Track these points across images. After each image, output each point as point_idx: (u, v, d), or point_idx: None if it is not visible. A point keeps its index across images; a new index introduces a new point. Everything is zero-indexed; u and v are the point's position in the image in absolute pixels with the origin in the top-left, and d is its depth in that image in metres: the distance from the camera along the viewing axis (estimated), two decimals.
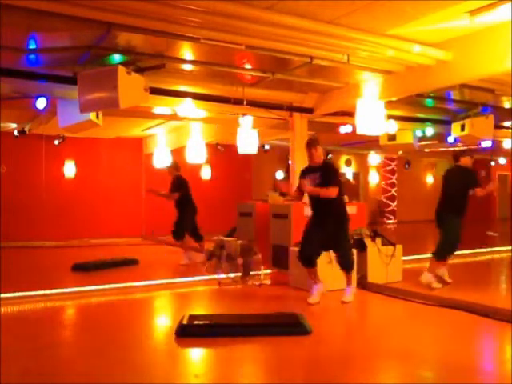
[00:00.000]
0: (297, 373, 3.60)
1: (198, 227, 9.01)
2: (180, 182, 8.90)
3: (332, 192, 5.51)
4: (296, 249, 6.69)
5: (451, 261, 6.86)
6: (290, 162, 10.23)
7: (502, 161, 19.44)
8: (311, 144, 5.78)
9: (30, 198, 12.20)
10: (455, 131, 8.61)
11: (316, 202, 5.70)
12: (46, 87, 6.86)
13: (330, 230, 5.61)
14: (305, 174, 5.86)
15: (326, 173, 5.67)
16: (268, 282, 6.90)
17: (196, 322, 4.54)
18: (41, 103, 7.13)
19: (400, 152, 15.75)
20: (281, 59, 6.25)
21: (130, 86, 5.66)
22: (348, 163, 18.85)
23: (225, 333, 4.38)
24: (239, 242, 7.15)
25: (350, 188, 17.58)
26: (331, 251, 5.91)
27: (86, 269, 8.02)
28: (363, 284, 6.50)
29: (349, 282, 5.88)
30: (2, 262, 8.26)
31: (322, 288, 5.80)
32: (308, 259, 5.71)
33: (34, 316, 5.46)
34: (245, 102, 7.64)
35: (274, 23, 4.98)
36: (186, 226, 8.86)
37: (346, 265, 5.82)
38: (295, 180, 8.70)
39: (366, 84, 7.30)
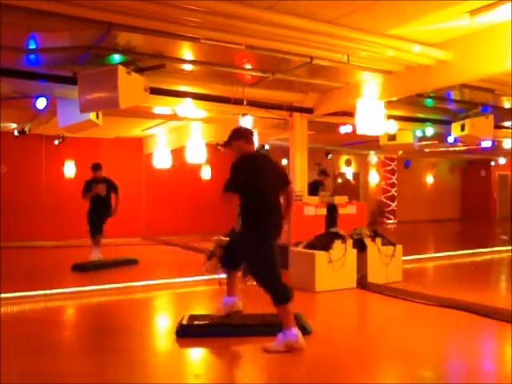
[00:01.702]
0: (297, 373, 3.60)
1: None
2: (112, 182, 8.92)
3: (220, 198, 4.14)
4: (295, 248, 6.71)
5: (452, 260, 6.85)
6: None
7: (502, 161, 19.45)
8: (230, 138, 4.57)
9: (30, 198, 12.18)
10: (455, 131, 8.62)
11: None
12: (46, 87, 6.85)
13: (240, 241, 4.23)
14: None
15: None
16: None
17: (196, 322, 4.54)
18: (41, 103, 7.12)
19: (400, 152, 15.75)
20: (281, 59, 6.24)
21: (130, 85, 5.66)
22: (348, 163, 18.85)
23: (225, 333, 4.38)
24: None
25: (350, 188, 17.58)
26: None
27: (86, 269, 8.02)
28: (363, 284, 6.50)
29: (284, 324, 3.99)
30: (2, 262, 8.26)
31: (237, 305, 4.54)
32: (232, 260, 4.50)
33: (34, 316, 5.45)
34: (245, 102, 7.64)
35: (274, 23, 4.98)
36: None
37: (269, 292, 4.11)
38: (295, 179, 8.74)
39: (366, 84, 7.30)
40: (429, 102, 8.64)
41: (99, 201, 8.75)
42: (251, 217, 4.09)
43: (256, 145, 8.72)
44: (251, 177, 4.12)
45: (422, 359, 3.83)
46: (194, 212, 13.69)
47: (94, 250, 8.73)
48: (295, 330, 3.98)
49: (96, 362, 3.82)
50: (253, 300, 6.12)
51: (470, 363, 3.82)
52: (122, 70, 5.57)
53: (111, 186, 8.84)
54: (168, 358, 4.02)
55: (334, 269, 6.28)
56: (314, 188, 9.61)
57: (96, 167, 8.85)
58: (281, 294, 4.08)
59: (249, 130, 4.68)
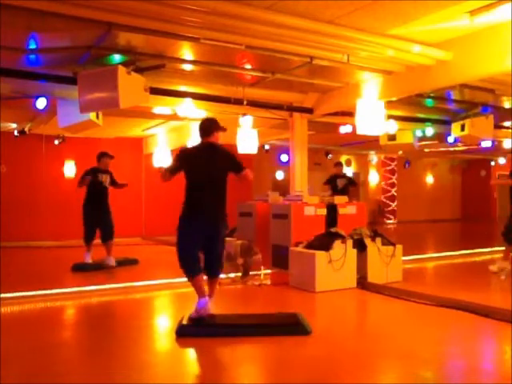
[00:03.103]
0: (297, 373, 3.60)
1: None
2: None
3: (248, 175, 4.93)
4: (295, 248, 6.71)
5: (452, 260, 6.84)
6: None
7: (502, 161, 19.45)
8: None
9: (30, 198, 12.19)
10: (455, 131, 8.62)
11: None
12: (46, 87, 6.86)
13: None
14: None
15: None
16: (268, 281, 6.90)
17: (196, 322, 4.53)
18: (41, 103, 7.13)
19: (400, 152, 15.77)
20: (281, 59, 6.24)
21: (130, 85, 5.67)
22: (348, 163, 18.85)
23: (225, 333, 4.38)
24: (239, 242, 7.15)
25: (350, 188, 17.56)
26: None
27: (86, 269, 8.02)
28: (363, 284, 6.50)
29: (197, 294, 4.59)
30: (2, 262, 8.26)
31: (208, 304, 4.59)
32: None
33: (34, 316, 5.45)
34: (245, 102, 7.65)
35: (274, 23, 4.99)
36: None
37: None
38: (295, 179, 8.75)
39: (366, 84, 7.30)
40: (429, 102, 8.64)
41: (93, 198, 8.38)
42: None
43: (255, 144, 8.81)
44: None
45: (422, 359, 3.83)
46: None
47: (86, 256, 8.36)
48: (203, 300, 4.54)
49: (96, 362, 3.81)
50: (253, 300, 6.14)
51: (470, 363, 3.82)
52: (122, 69, 5.58)
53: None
54: (168, 358, 4.02)
55: (334, 269, 6.28)
56: (332, 181, 9.77)
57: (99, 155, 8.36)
58: (183, 271, 4.61)
59: (208, 123, 5.25)
